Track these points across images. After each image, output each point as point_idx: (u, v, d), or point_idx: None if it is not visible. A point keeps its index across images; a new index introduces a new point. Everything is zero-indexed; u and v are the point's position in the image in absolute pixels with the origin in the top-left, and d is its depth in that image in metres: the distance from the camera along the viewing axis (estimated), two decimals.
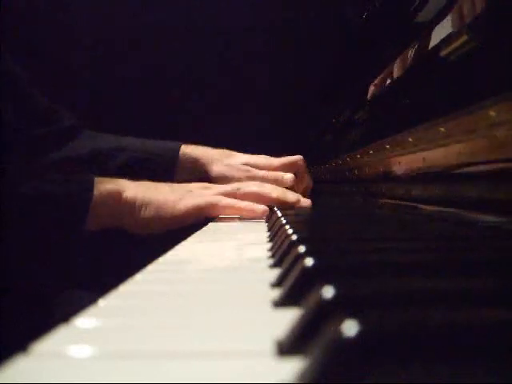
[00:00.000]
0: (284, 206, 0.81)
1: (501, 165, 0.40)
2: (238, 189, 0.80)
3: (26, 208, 0.68)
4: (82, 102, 1.72)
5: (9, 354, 0.19)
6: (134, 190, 0.76)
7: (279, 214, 0.65)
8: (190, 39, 1.87)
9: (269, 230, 0.62)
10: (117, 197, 0.74)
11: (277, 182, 0.91)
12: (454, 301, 0.20)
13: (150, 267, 0.39)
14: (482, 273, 0.26)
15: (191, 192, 0.79)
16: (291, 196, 0.83)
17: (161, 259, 0.43)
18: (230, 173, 0.97)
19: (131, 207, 0.75)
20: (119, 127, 1.05)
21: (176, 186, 0.81)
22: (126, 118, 1.66)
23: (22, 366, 0.19)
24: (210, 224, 0.76)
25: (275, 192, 0.82)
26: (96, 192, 0.72)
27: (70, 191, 0.71)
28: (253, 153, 1.03)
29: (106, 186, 0.73)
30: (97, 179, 0.73)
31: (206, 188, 0.82)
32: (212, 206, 0.76)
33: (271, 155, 1.01)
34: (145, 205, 0.75)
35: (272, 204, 0.80)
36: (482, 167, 0.44)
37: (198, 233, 0.66)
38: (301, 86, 1.84)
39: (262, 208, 0.78)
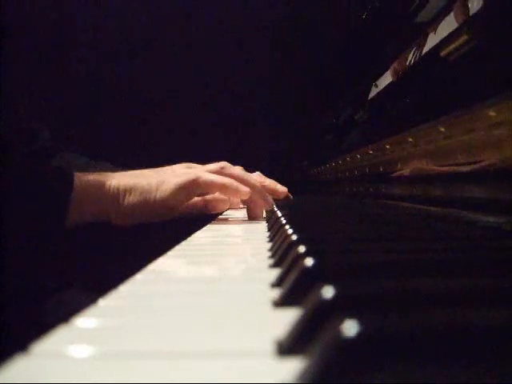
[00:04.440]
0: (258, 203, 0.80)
1: (501, 165, 0.40)
2: (223, 168, 0.77)
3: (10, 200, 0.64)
4: (81, 101, 1.72)
5: (9, 354, 0.19)
6: (117, 178, 0.74)
7: (279, 213, 0.65)
8: (190, 41, 1.87)
9: (269, 230, 0.62)
10: (99, 185, 0.72)
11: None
12: (454, 301, 0.21)
13: (150, 267, 0.39)
14: (482, 273, 0.26)
15: (174, 173, 0.77)
16: (270, 198, 0.82)
17: (161, 259, 0.43)
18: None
19: (115, 195, 0.72)
20: (118, 128, 1.05)
21: (159, 169, 0.79)
22: (125, 120, 1.66)
23: (21, 365, 0.19)
24: (208, 225, 0.76)
25: (258, 184, 0.79)
26: (77, 182, 0.69)
27: (50, 182, 0.68)
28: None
29: (87, 177, 0.72)
30: (77, 173, 0.71)
31: (190, 167, 0.80)
32: (192, 181, 0.73)
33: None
34: (128, 190, 0.73)
35: (252, 194, 0.77)
36: (482, 167, 0.44)
37: (199, 232, 0.66)
38: (301, 86, 1.84)
39: (245, 189, 0.75)
